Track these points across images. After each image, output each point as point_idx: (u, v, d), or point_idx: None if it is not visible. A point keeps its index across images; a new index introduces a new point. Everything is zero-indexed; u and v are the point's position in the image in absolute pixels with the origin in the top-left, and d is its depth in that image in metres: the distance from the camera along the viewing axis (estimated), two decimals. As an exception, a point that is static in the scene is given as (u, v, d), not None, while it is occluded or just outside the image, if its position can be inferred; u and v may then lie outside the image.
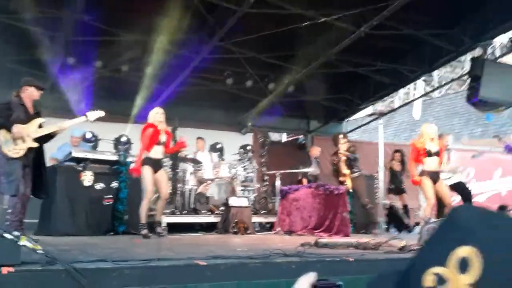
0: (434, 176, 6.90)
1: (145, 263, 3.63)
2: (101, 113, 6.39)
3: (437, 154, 6.94)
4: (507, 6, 8.32)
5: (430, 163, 6.89)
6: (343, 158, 8.68)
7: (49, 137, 6.02)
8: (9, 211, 5.46)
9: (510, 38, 9.45)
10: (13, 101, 5.78)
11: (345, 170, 8.58)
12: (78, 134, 8.75)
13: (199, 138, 9.83)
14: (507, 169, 10.46)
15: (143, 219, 6.72)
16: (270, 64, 10.04)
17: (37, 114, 5.96)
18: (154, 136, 6.80)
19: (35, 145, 5.75)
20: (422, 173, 6.91)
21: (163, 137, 6.93)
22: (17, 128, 5.59)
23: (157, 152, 6.87)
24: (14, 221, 5.45)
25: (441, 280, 0.59)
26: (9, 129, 5.57)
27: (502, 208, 11.54)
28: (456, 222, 0.64)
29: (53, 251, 4.17)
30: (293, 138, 14.61)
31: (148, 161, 6.79)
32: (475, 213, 0.63)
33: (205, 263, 3.77)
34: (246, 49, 9.40)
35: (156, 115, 6.87)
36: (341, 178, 8.64)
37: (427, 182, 6.83)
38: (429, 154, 6.88)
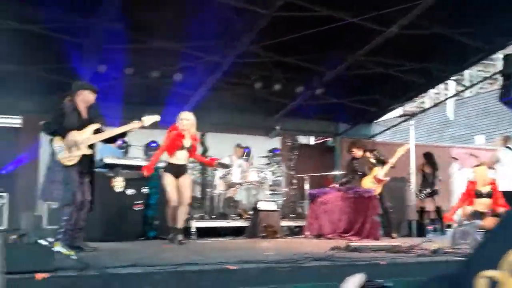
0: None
1: (175, 268, 3.66)
2: (156, 118, 5.98)
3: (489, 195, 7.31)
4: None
5: (479, 204, 7.30)
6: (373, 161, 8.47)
7: (112, 139, 5.88)
8: (64, 218, 5.24)
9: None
10: (66, 106, 5.46)
11: (380, 174, 8.31)
12: None
13: (239, 145, 9.80)
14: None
15: (170, 223, 6.68)
16: (298, 67, 9.99)
17: (93, 119, 5.62)
18: (176, 140, 6.53)
19: (90, 152, 5.50)
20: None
21: (187, 142, 6.60)
22: (71, 135, 5.34)
23: (179, 157, 6.58)
24: (69, 230, 5.25)
25: (493, 283, 0.58)
26: (63, 136, 5.34)
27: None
28: (509, 225, 0.62)
29: (86, 257, 4.25)
30: (322, 140, 14.53)
31: (169, 168, 6.59)
32: None
33: (235, 267, 3.77)
34: (274, 52, 9.39)
35: (184, 120, 6.57)
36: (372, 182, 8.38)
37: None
38: (479, 195, 7.32)
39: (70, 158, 5.35)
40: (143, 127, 5.97)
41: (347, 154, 9.20)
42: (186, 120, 6.59)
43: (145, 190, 7.67)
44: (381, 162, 8.38)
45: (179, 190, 6.56)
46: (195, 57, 8.79)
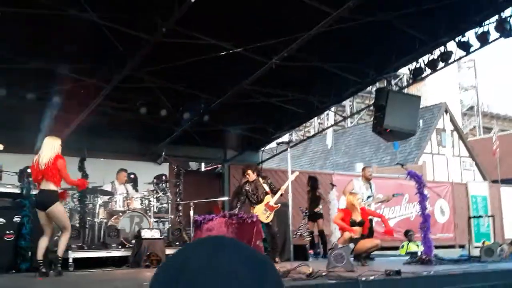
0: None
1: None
2: None
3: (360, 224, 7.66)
4: (406, 40, 8.91)
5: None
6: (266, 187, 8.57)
7: None
8: None
9: (410, 70, 10.02)
10: None
11: (272, 202, 8.47)
12: None
13: (122, 170, 9.46)
14: (412, 195, 11.04)
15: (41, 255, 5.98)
16: (185, 94, 10.01)
17: None
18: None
19: None
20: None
21: None
22: None
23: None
24: None
25: None
26: None
27: (407, 232, 12.16)
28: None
29: None
30: (212, 167, 14.60)
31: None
32: None
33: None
34: (160, 78, 9.34)
35: (60, 146, 6.34)
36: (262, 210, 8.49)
37: None
38: (353, 224, 7.62)
39: None
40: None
41: (236, 180, 9.32)
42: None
43: (17, 219, 7.17)
44: (272, 190, 8.55)
45: None
46: (76, 80, 8.49)
